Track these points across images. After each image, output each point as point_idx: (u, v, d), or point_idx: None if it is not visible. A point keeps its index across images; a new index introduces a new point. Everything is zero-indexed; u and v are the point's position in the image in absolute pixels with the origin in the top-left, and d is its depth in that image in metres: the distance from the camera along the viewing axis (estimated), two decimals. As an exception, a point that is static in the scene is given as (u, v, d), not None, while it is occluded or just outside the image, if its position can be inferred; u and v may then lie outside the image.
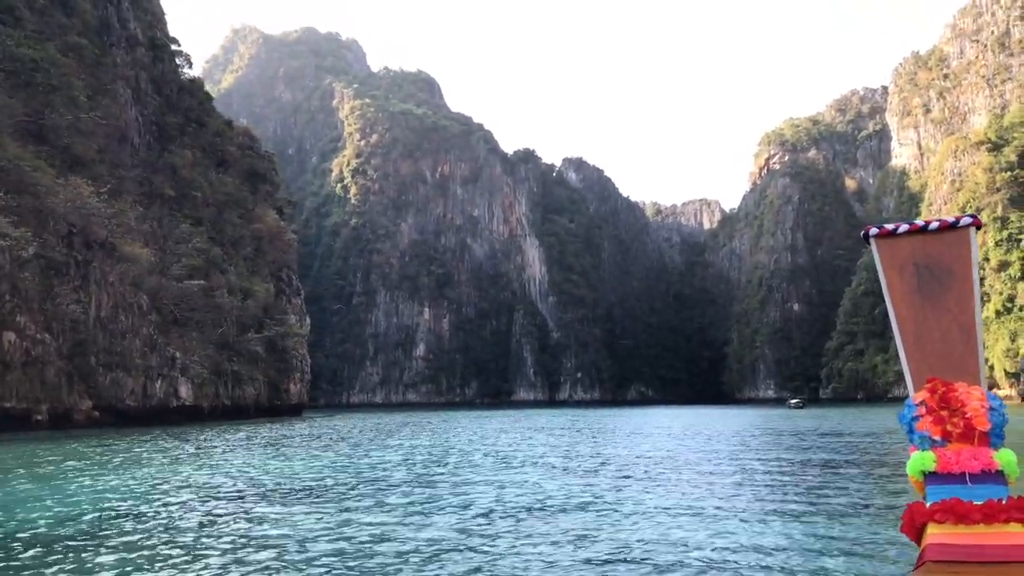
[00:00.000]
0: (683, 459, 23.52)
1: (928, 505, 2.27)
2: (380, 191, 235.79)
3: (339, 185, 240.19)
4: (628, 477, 17.93)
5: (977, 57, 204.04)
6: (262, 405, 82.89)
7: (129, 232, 64.31)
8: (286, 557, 9.44)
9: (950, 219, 2.61)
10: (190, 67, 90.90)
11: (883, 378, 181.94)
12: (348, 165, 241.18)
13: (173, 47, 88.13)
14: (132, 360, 60.45)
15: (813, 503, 13.79)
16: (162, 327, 65.53)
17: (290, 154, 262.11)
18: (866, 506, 13.59)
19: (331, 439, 36.28)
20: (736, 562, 8.91)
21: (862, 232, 2.77)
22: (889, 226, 2.70)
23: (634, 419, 69.69)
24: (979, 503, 2.19)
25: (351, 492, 15.59)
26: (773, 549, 9.60)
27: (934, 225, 2.62)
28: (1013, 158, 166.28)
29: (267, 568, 8.79)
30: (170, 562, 9.12)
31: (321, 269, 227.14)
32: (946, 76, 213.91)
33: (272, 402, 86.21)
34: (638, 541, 10.11)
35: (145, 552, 9.68)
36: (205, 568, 8.75)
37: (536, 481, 17.05)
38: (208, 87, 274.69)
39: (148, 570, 8.72)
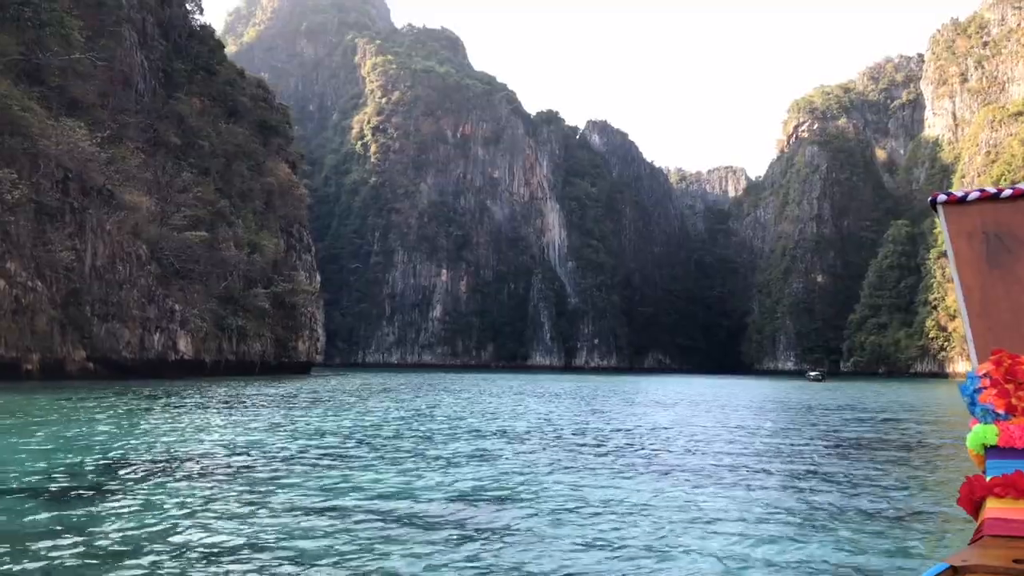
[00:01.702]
0: (681, 435, 21.26)
1: (988, 479, 2.22)
2: (400, 150, 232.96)
3: (359, 143, 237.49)
4: (603, 455, 15.68)
5: (1019, 24, 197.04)
6: (268, 362, 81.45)
7: (129, 180, 62.39)
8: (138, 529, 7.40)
9: None
10: (201, 13, 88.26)
11: (906, 353, 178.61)
12: (369, 123, 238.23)
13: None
14: (129, 311, 58.85)
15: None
16: (162, 279, 63.85)
17: (311, 110, 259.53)
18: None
19: (314, 399, 34.36)
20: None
21: (929, 199, 2.69)
22: (958, 192, 2.62)
23: (647, 387, 67.59)
24: None
25: (278, 460, 13.50)
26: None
27: (1007, 192, 2.53)
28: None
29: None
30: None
31: (339, 227, 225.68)
32: (985, 44, 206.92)
33: (279, 359, 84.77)
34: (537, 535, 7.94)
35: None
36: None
37: (488, 457, 14.84)
38: (230, 40, 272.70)
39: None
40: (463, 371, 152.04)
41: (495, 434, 19.03)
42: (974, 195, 2.58)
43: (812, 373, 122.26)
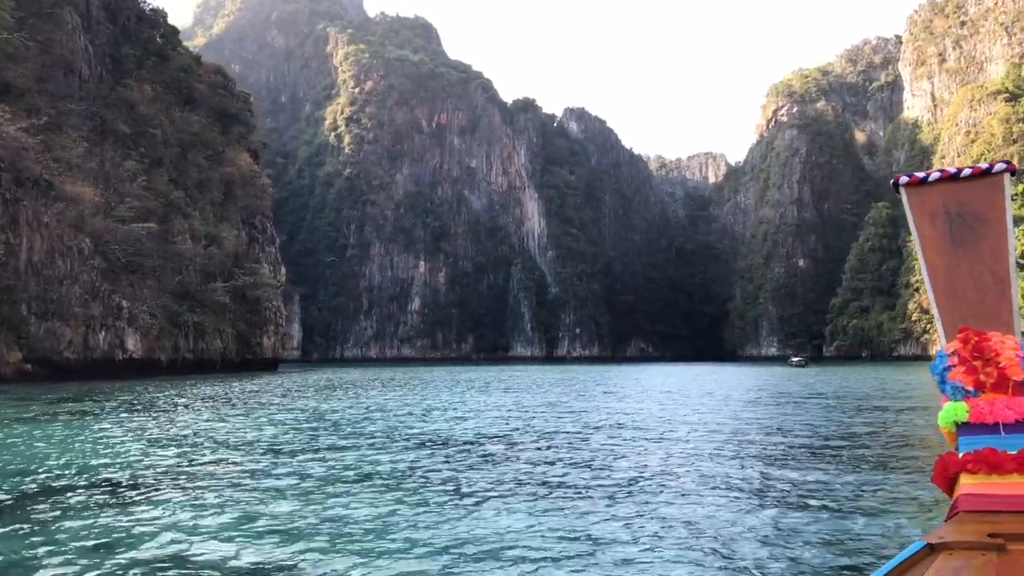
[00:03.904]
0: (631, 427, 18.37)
1: (960, 456, 2.26)
2: (375, 140, 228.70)
3: (333, 134, 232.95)
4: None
5: (996, 4, 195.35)
6: (231, 359, 78.11)
7: (71, 169, 58.88)
8: None
9: (984, 165, 2.58)
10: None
11: (888, 336, 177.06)
12: (342, 113, 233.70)
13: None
14: (70, 308, 55.41)
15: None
16: (108, 274, 60.32)
17: (283, 102, 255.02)
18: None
19: (234, 401, 31.27)
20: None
21: (892, 181, 2.74)
22: (920, 174, 2.67)
23: (622, 377, 64.84)
24: (1013, 452, 2.18)
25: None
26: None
27: (967, 172, 2.58)
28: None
29: None
30: None
31: (314, 220, 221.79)
32: (963, 24, 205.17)
33: (243, 356, 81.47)
34: None
35: None
36: None
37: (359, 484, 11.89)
38: (199, 32, 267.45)
39: None
40: (442, 364, 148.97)
41: (407, 445, 16.06)
42: (935, 176, 2.61)
43: (795, 359, 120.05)
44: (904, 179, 2.65)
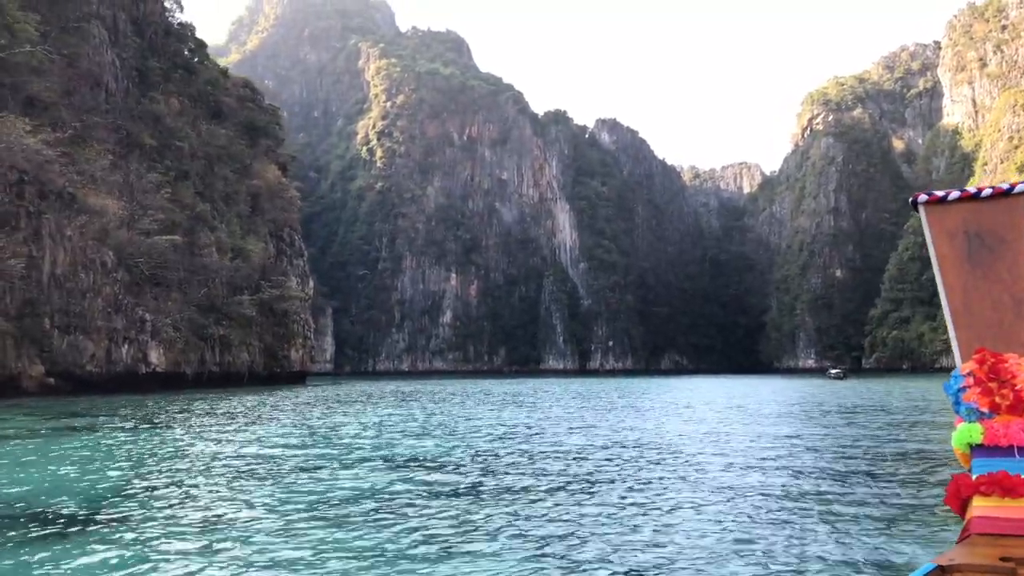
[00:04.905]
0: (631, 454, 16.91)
1: (974, 477, 2.22)
2: (406, 154, 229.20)
3: (364, 148, 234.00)
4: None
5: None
6: (258, 372, 77.59)
7: (95, 182, 58.73)
8: None
9: (1004, 186, 2.54)
10: (181, 11, 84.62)
11: (930, 347, 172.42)
12: (374, 127, 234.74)
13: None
14: (93, 322, 55.02)
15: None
16: (132, 287, 59.98)
17: (315, 116, 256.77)
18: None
19: (233, 415, 30.26)
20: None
21: (910, 199, 2.69)
22: (939, 193, 2.62)
23: (652, 390, 63.09)
24: None
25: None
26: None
27: (986, 192, 2.54)
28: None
29: None
30: None
31: (346, 234, 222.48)
32: (1004, 28, 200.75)
33: (271, 369, 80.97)
34: None
35: None
36: None
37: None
38: (234, 49, 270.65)
39: None
40: (473, 377, 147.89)
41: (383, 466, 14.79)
42: (955, 195, 2.56)
43: (833, 371, 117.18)
44: (923, 197, 2.59)
